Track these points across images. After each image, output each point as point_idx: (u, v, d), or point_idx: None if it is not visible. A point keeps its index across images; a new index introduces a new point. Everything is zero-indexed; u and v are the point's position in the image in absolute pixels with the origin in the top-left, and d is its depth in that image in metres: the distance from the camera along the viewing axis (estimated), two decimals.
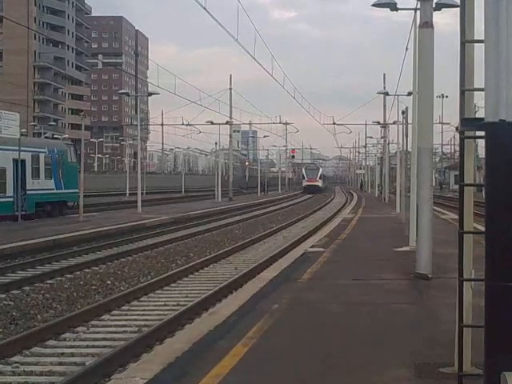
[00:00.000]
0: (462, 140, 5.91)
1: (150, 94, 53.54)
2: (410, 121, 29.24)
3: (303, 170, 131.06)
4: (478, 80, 5.84)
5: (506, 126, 4.92)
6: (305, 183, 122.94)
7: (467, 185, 6.33)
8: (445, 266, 16.11)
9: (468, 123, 5.69)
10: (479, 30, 5.64)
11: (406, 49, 31.53)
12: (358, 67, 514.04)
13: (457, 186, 6.44)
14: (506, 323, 4.91)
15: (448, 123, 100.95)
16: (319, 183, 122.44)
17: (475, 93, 6.70)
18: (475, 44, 6.59)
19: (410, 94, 33.36)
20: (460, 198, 5.93)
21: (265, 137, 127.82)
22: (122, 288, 18.29)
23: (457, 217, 6.44)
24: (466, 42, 6.07)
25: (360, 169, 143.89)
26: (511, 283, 4.91)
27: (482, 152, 77.79)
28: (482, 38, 5.20)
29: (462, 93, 6.00)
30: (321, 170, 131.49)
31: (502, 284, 4.92)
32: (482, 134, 5.17)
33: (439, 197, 69.90)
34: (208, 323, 10.95)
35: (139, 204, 46.85)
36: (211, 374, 8.02)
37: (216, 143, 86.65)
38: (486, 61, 5.06)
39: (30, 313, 15.05)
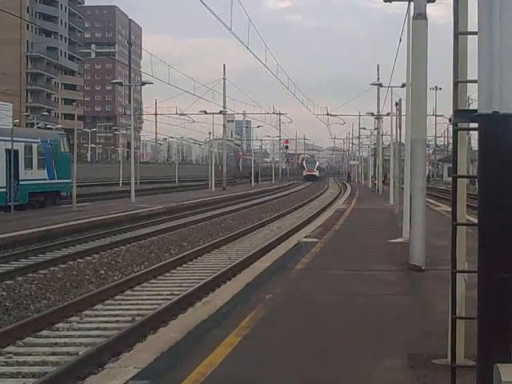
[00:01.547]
0: (455, 132, 5.91)
1: (144, 84, 53.44)
2: (403, 112, 29.23)
3: (304, 162, 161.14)
4: (472, 72, 5.85)
5: (499, 117, 4.92)
6: (305, 173, 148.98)
7: (460, 176, 6.34)
8: (438, 258, 16.14)
9: (461, 115, 5.69)
10: (473, 22, 5.65)
11: (400, 40, 31.52)
12: (352, 58, 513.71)
13: (450, 179, 6.45)
14: (499, 315, 4.93)
15: (442, 115, 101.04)
16: (316, 173, 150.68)
17: (469, 85, 6.71)
18: (469, 36, 6.59)
19: (403, 85, 33.32)
20: (453, 190, 5.94)
21: (258, 127, 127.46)
22: (115, 278, 18.31)
23: (450, 209, 6.46)
24: (460, 33, 6.07)
25: (353, 160, 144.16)
26: (504, 275, 4.92)
27: (475, 144, 77.92)
28: (476, 30, 5.20)
29: (456, 84, 6.00)
30: (317, 162, 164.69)
31: (494, 276, 4.93)
32: (476, 125, 5.18)
33: (432, 189, 69.98)
34: (201, 313, 10.96)
35: (133, 194, 46.83)
36: (204, 362, 8.04)
37: (210, 133, 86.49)
38: (480, 52, 5.06)
39: (23, 303, 15.05)
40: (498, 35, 4.99)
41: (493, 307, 4.94)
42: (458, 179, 6.17)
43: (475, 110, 5.17)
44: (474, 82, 5.33)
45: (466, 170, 7.31)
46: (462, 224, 6.43)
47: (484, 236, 5.01)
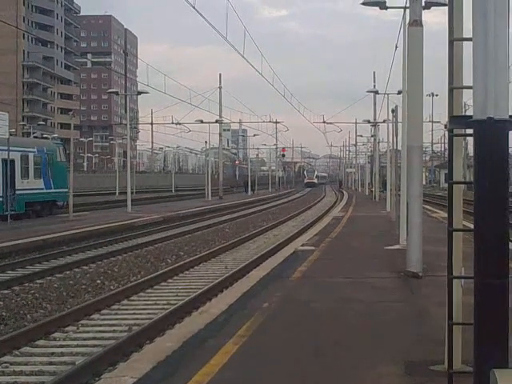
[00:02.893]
0: (450, 138, 5.91)
1: (140, 93, 53.51)
2: (400, 119, 29.26)
3: (305, 172, 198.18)
4: (468, 78, 5.85)
5: (494, 123, 4.92)
6: (306, 180, 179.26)
7: (456, 182, 6.34)
8: (435, 264, 16.12)
9: (456, 121, 5.68)
10: (468, 28, 5.65)
11: (396, 47, 31.60)
12: (348, 65, 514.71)
13: (447, 185, 6.41)
14: (495, 320, 4.92)
15: (438, 122, 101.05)
16: (315, 180, 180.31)
17: (466, 91, 6.71)
18: (464, 42, 6.59)
19: (399, 92, 33.37)
20: (449, 196, 5.93)
21: (255, 135, 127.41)
22: (112, 287, 18.28)
23: (447, 215, 6.45)
24: (455, 40, 6.07)
25: (350, 167, 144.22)
26: (500, 280, 4.92)
27: (472, 150, 77.96)
28: (471, 36, 5.21)
29: (451, 91, 6.01)
30: (316, 172, 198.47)
31: (491, 281, 4.92)
32: (471, 131, 5.18)
33: (429, 195, 70.04)
34: (198, 322, 10.94)
35: (129, 203, 46.78)
36: (201, 372, 8.01)
37: (206, 142, 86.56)
38: (474, 59, 5.06)
39: (20, 312, 15.02)
40: (493, 41, 5.00)
41: (489, 313, 4.93)
42: (454, 185, 6.16)
43: (470, 116, 5.16)
44: (470, 88, 5.33)
45: (463, 175, 7.32)
46: (457, 230, 6.42)
47: (480, 241, 5.00)
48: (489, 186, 4.95)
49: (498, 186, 4.95)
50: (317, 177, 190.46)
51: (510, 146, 5.16)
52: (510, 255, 5.14)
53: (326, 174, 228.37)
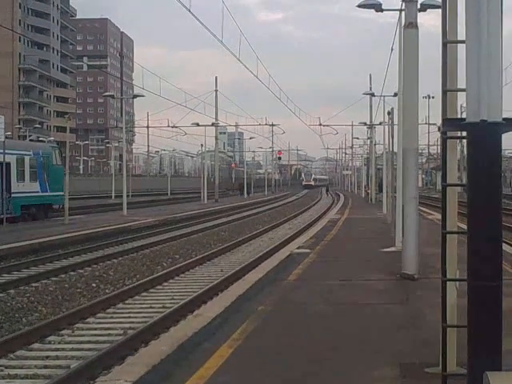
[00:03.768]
0: (444, 140, 5.91)
1: (135, 97, 53.37)
2: (395, 121, 29.25)
3: (303, 175, 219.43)
4: (463, 80, 5.84)
5: (487, 126, 4.92)
6: (304, 183, 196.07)
7: (450, 185, 6.33)
8: (431, 267, 16.11)
9: (450, 123, 5.68)
10: (462, 31, 5.65)
11: (392, 49, 31.53)
12: (345, 68, 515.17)
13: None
14: (489, 323, 4.92)
15: (434, 124, 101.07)
16: (312, 183, 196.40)
17: (462, 93, 6.69)
18: (458, 44, 6.58)
19: (395, 94, 33.36)
20: (443, 198, 5.92)
21: (251, 138, 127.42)
22: (107, 291, 18.25)
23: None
24: (448, 42, 6.06)
25: (347, 170, 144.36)
26: (493, 283, 4.91)
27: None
28: (464, 39, 5.20)
29: (445, 93, 6.00)
30: (313, 175, 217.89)
31: (484, 283, 4.92)
32: (465, 134, 5.18)
33: (425, 197, 70.06)
34: (193, 325, 10.91)
35: (125, 206, 46.74)
36: (196, 375, 8.00)
37: (202, 145, 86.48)
38: (468, 61, 5.06)
39: (15, 316, 15.00)
40: (486, 44, 5.00)
41: (482, 315, 4.92)
42: (448, 187, 6.15)
43: (464, 119, 5.16)
44: (463, 90, 5.33)
45: (459, 178, 7.32)
46: (451, 232, 6.41)
47: (473, 244, 5.00)
48: (482, 188, 4.95)
49: (491, 188, 4.95)
50: (314, 179, 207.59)
51: (502, 148, 5.16)
52: (503, 257, 5.14)
53: (326, 177, 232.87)
